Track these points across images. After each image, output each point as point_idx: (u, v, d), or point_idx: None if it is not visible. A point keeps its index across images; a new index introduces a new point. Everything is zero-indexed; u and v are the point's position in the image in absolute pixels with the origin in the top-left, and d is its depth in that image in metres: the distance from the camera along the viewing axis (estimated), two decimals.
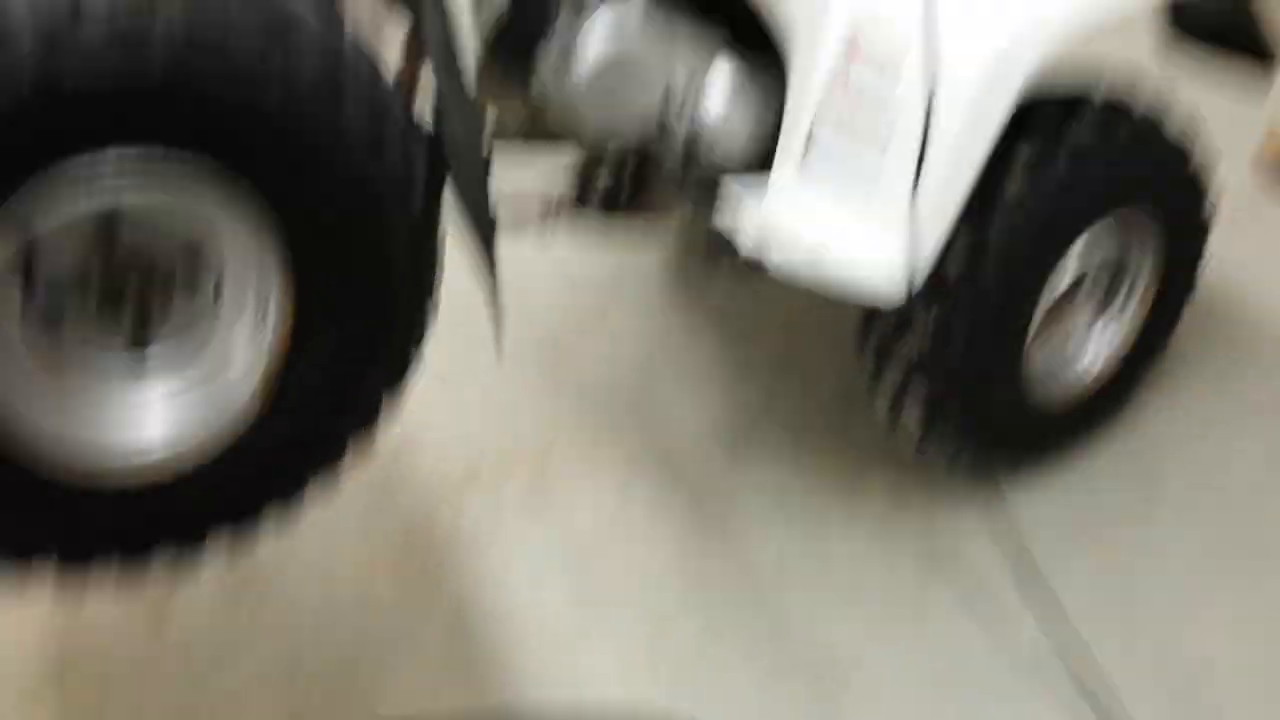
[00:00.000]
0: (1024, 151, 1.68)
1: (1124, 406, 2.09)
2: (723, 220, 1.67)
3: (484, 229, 1.35)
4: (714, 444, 2.22)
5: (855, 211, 1.67)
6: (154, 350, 1.28)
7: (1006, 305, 1.76)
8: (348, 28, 1.20)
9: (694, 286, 2.60)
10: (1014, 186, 1.67)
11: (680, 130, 1.77)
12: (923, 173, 1.59)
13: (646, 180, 1.80)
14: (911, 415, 1.86)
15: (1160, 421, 2.13)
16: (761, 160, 1.80)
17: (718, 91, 1.76)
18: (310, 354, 1.28)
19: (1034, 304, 1.79)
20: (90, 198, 1.13)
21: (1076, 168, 1.71)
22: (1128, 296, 1.97)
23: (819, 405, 2.28)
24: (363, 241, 1.26)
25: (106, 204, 1.16)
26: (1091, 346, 1.98)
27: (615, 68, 1.65)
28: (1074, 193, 1.72)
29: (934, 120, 1.57)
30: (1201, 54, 1.96)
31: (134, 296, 1.23)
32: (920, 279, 1.63)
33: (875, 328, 1.83)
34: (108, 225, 1.19)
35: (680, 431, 2.26)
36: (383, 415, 1.41)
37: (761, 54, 1.78)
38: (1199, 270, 2.01)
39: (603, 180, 1.84)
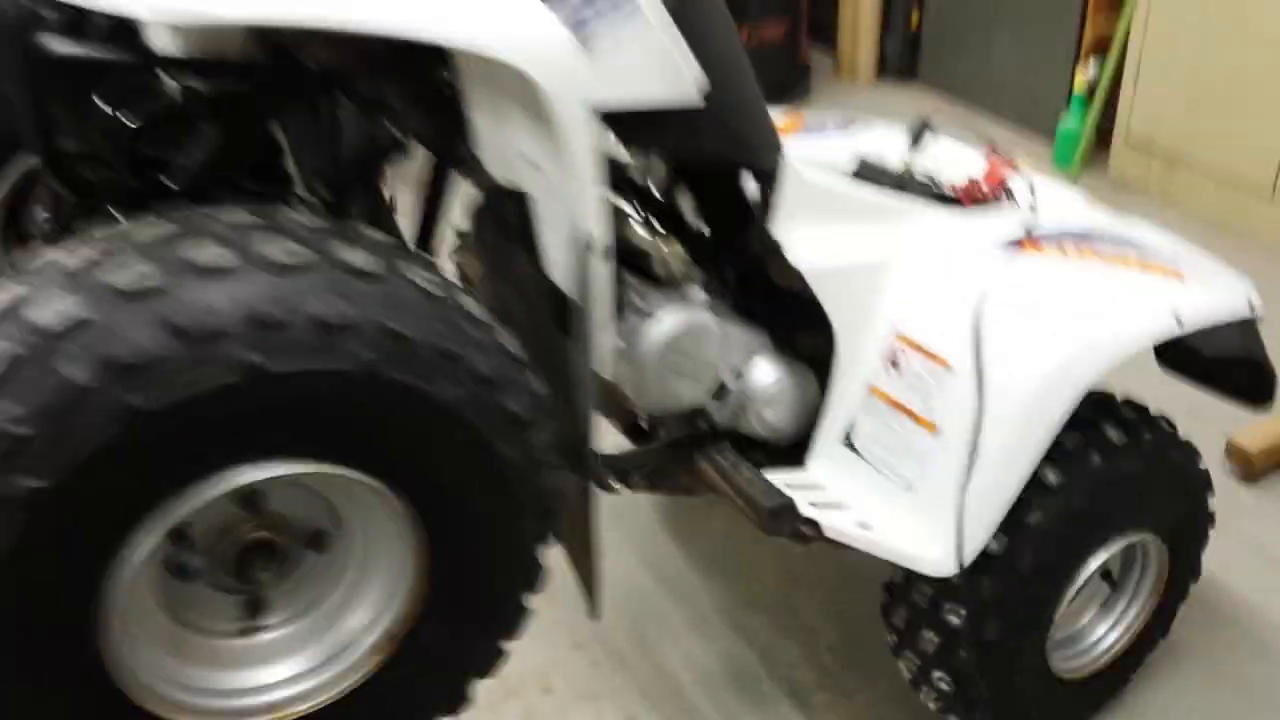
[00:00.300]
0: (1063, 444, 1.80)
1: (1126, 685, 2.17)
2: (771, 489, 1.75)
3: (587, 499, 1.40)
4: (721, 684, 2.25)
5: (904, 488, 1.78)
6: (277, 601, 1.30)
7: (1041, 586, 1.85)
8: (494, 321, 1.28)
9: (692, 518, 2.67)
10: (1053, 476, 1.79)
11: (728, 407, 1.88)
12: (976, 465, 1.69)
13: (691, 459, 1.89)
14: (940, 680, 1.91)
15: (1157, 703, 2.21)
16: (805, 434, 1.92)
17: (762, 374, 1.89)
18: (431, 623, 1.31)
19: (1065, 586, 1.88)
20: (242, 485, 1.15)
21: (1110, 465, 1.83)
22: (1140, 581, 2.07)
23: (822, 653, 2.32)
24: (497, 523, 1.31)
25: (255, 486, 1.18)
26: (1104, 627, 2.08)
27: (677, 349, 1.76)
28: (1107, 489, 1.84)
29: (987, 422, 1.69)
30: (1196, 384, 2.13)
31: (263, 551, 1.25)
32: (971, 557, 1.72)
33: (909, 594, 1.91)
34: (250, 499, 1.23)
35: (685, 668, 2.28)
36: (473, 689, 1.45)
37: (799, 351, 1.94)
38: (1200, 559, 2.14)
39: (649, 459, 1.93)
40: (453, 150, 1.56)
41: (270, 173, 1.54)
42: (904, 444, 1.79)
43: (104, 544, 1.08)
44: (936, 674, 1.91)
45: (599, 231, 1.36)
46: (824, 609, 2.44)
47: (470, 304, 1.23)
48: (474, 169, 1.57)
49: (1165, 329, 1.80)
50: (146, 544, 1.11)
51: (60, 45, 1.26)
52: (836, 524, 1.75)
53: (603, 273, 1.37)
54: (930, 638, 1.88)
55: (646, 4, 1.45)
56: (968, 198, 2.02)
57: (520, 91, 1.34)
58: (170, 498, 1.10)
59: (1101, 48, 4.37)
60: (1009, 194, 2.07)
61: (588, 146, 1.36)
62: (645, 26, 1.44)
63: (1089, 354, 1.72)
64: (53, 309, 1.03)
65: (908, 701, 2.08)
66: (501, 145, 1.47)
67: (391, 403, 1.15)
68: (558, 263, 1.46)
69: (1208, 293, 1.88)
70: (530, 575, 1.37)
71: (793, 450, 1.94)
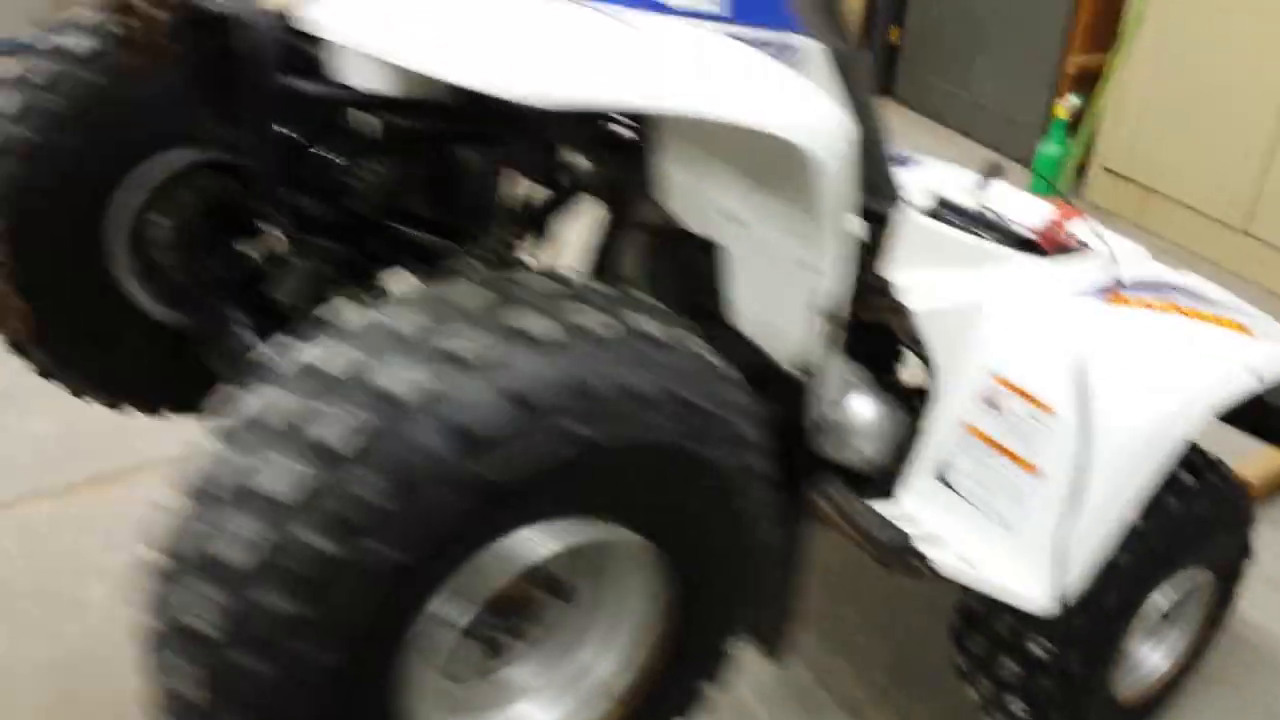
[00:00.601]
0: None
1: (1162, 708, 2.31)
2: (886, 523, 1.82)
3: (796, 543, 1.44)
4: (781, 700, 2.32)
5: (1002, 526, 1.85)
6: (522, 649, 1.32)
7: (1118, 619, 1.96)
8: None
9: None
10: (1140, 520, 1.89)
11: (826, 438, 1.94)
12: (1080, 510, 1.78)
13: (796, 488, 1.95)
14: (1016, 707, 2.01)
15: None
16: (890, 466, 1.99)
17: (862, 407, 1.95)
18: (668, 669, 1.34)
19: (1134, 618, 1.99)
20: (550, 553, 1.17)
21: (1183, 506, 1.95)
22: (1190, 612, 2.20)
23: (873, 670, 2.41)
24: (730, 572, 1.35)
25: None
26: (1156, 654, 2.21)
27: None
28: (1180, 528, 1.96)
29: (1093, 469, 1.78)
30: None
31: (516, 606, 1.27)
32: (1073, 597, 1.81)
33: (990, 623, 1.99)
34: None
35: (743, 683, 2.34)
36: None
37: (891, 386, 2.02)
38: (1238, 590, 2.28)
39: None
40: (628, 196, 1.58)
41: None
42: (1002, 483, 1.87)
43: (418, 605, 1.09)
44: (1013, 701, 2.01)
45: (841, 297, 1.40)
46: (868, 625, 2.52)
47: (727, 367, 1.26)
48: (652, 216, 1.60)
49: (1249, 384, 1.91)
50: (454, 607, 1.12)
51: (306, 84, 1.26)
52: (941, 559, 1.83)
53: (832, 333, 1.42)
54: (1010, 666, 1.98)
55: (815, 53, 1.50)
56: (1048, 244, 2.11)
57: (760, 157, 1.36)
58: (484, 564, 1.11)
59: (1083, 79, 4.55)
60: (1081, 243, 2.17)
61: (845, 221, 1.39)
62: (814, 75, 1.50)
63: (1190, 407, 1.82)
64: (404, 378, 1.03)
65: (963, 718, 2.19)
66: (699, 197, 1.50)
67: (674, 467, 1.18)
68: (749, 314, 1.50)
69: (1277, 348, 2.00)
70: (742, 621, 1.41)
71: (872, 480, 2.01)
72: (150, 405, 1.99)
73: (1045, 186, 4.58)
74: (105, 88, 1.65)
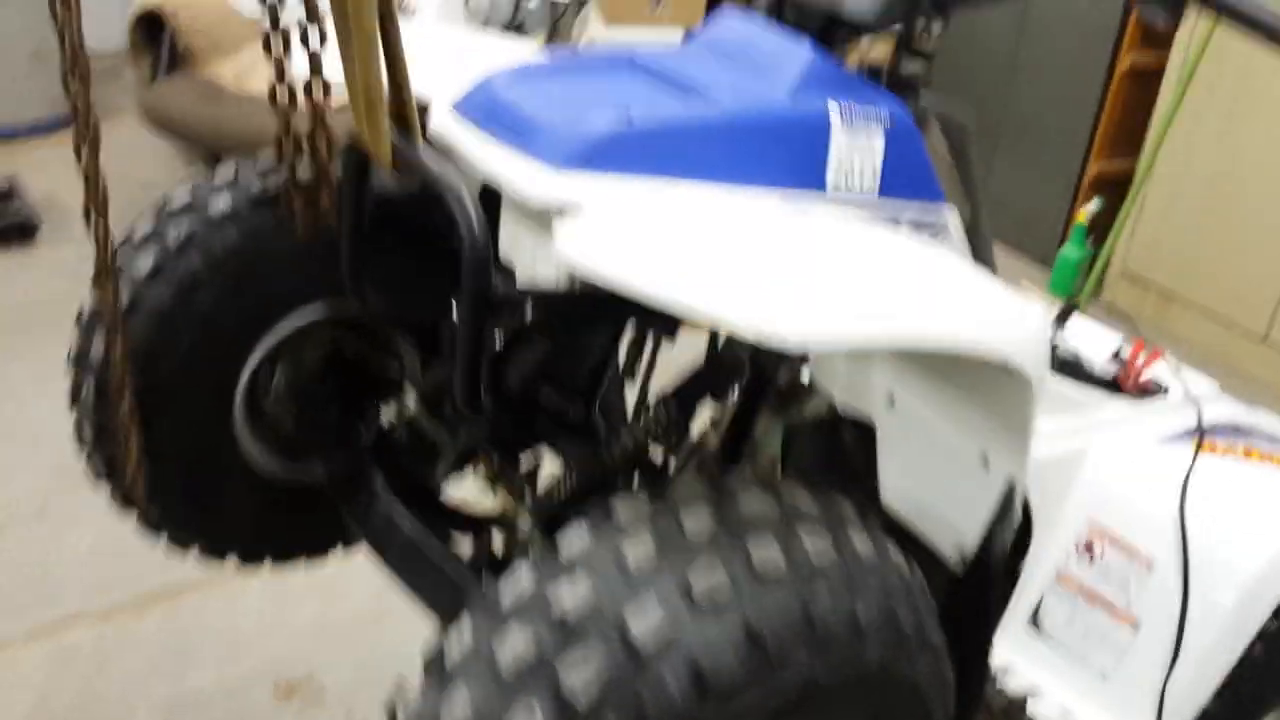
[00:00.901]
0: None
1: None
2: (994, 684, 1.83)
3: None
4: None
5: (1099, 677, 1.87)
6: None
7: None
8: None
9: None
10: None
11: None
12: (1179, 662, 1.80)
13: None
14: None
15: None
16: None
17: None
18: None
19: None
20: None
21: (1270, 653, 1.96)
22: None
23: None
24: None
25: None
26: None
27: None
28: (1266, 674, 1.96)
29: (1192, 623, 1.80)
30: None
31: None
32: None
33: None
34: None
35: None
36: None
37: None
38: None
39: None
40: (770, 367, 1.60)
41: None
42: (1099, 634, 1.89)
43: None
44: None
45: (1022, 491, 1.42)
46: None
47: (913, 568, 1.26)
48: (793, 386, 1.61)
49: None
50: None
51: (505, 286, 1.27)
52: (1042, 713, 1.84)
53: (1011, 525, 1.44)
54: None
55: (954, 223, 1.54)
56: (1131, 386, 2.14)
57: (949, 361, 1.37)
58: None
59: (1104, 183, 4.63)
60: (1159, 383, 2.20)
61: (1035, 421, 1.39)
62: (954, 243, 1.53)
63: None
64: (639, 621, 1.00)
65: None
66: (858, 378, 1.50)
67: (883, 690, 1.17)
68: (907, 500, 1.49)
69: None
70: None
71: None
72: (253, 557, 1.97)
73: (1065, 290, 4.66)
74: (240, 247, 1.66)
